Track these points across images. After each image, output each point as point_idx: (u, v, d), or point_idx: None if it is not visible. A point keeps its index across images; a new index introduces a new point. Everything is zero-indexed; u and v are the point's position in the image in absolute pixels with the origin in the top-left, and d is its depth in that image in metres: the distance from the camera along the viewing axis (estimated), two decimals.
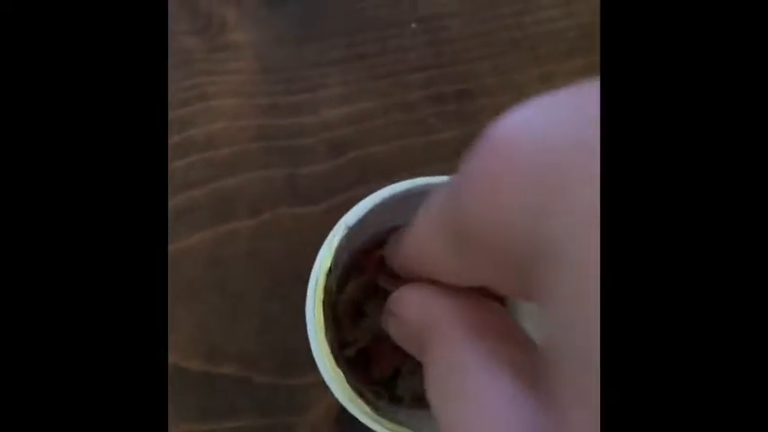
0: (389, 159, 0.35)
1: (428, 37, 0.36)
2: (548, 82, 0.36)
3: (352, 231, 0.24)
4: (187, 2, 0.36)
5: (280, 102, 0.35)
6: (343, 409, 0.32)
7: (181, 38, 0.36)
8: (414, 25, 0.36)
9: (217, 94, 0.35)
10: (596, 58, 0.36)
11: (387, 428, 0.23)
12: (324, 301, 0.23)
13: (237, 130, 0.35)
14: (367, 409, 0.23)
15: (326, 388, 0.32)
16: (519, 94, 0.36)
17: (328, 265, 0.23)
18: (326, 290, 0.24)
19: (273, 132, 0.35)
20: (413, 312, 0.19)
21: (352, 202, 0.34)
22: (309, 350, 0.33)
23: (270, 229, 0.34)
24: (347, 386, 0.23)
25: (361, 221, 0.24)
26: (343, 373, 0.24)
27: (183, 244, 0.34)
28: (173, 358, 0.33)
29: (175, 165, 0.34)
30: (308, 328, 0.24)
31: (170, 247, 0.34)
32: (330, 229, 0.31)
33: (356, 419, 0.32)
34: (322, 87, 0.35)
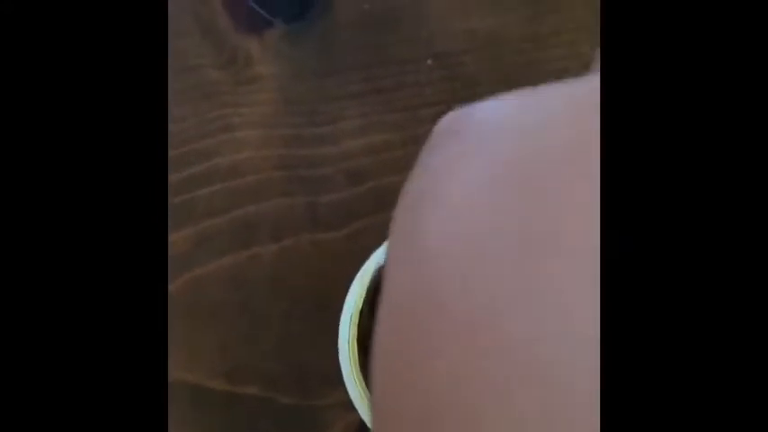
0: None
1: (443, 73, 0.38)
2: None
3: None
4: (212, 36, 0.38)
5: (301, 133, 0.37)
6: (360, 430, 0.33)
7: (207, 71, 0.37)
8: (429, 62, 0.38)
9: (241, 125, 0.37)
10: None
11: None
12: (357, 339, 0.24)
13: (261, 159, 0.36)
14: None
15: (345, 408, 0.33)
16: None
17: (360, 304, 0.25)
18: (360, 326, 0.25)
19: (295, 162, 0.36)
20: None
21: (369, 229, 0.36)
22: (329, 371, 0.34)
23: (291, 255, 0.35)
24: None
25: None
26: None
27: (207, 268, 0.35)
28: (196, 378, 0.34)
29: (200, 193, 0.36)
30: (343, 368, 0.25)
31: (195, 272, 0.35)
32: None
33: None
34: (341, 120, 0.37)
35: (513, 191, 0.13)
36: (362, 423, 0.34)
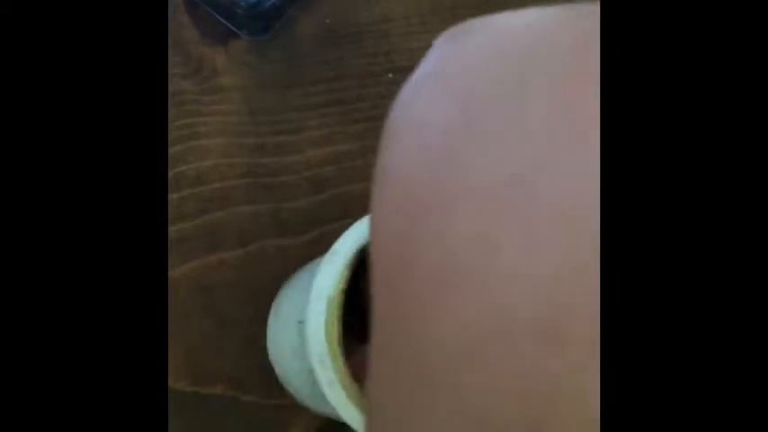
0: (366, 196, 0.38)
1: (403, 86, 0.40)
2: None
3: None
4: (180, 46, 0.39)
5: (266, 142, 0.38)
6: (322, 427, 0.35)
7: (174, 80, 0.38)
8: (390, 75, 0.40)
9: (207, 133, 0.38)
10: None
11: None
12: (340, 318, 0.24)
13: (226, 167, 0.38)
14: None
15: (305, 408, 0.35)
16: None
17: (339, 285, 0.24)
18: (341, 306, 0.24)
19: (260, 170, 0.38)
20: None
21: (332, 235, 0.37)
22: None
23: (256, 260, 0.37)
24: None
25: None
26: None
27: (174, 272, 0.36)
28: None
29: (168, 198, 0.37)
30: (321, 377, 0.24)
31: None
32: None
33: None
34: (305, 130, 0.38)
35: (515, 63, 0.13)
36: (326, 420, 0.35)
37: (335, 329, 0.24)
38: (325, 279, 0.24)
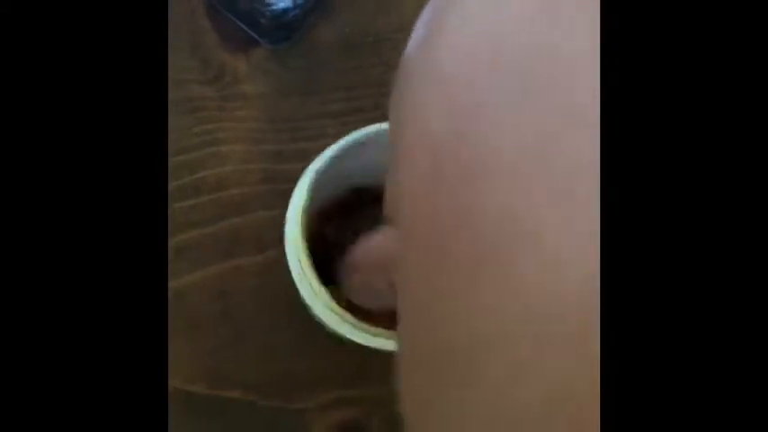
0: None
1: None
2: None
3: (319, 176, 0.29)
4: (200, 53, 0.39)
5: (284, 149, 0.38)
6: (341, 430, 0.35)
7: (194, 86, 0.39)
8: None
9: (227, 139, 0.38)
10: None
11: (371, 334, 0.27)
12: (304, 235, 0.28)
13: (245, 173, 0.38)
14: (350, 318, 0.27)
15: (325, 411, 0.35)
16: None
17: (303, 202, 0.28)
18: (305, 226, 0.28)
19: (278, 176, 0.38)
20: (378, 253, 0.18)
21: None
22: (310, 376, 0.36)
23: (273, 265, 0.37)
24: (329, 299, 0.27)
25: (328, 165, 0.29)
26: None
27: (192, 278, 0.36)
28: (178, 383, 0.35)
29: (186, 204, 0.37)
30: (292, 267, 0.28)
31: (180, 281, 0.36)
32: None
33: None
34: (323, 137, 0.39)
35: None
36: (343, 425, 0.35)
37: (302, 246, 0.28)
38: (294, 198, 0.29)
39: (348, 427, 0.36)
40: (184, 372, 0.35)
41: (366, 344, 0.27)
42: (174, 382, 0.35)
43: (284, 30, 0.38)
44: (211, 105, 0.39)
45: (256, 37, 0.39)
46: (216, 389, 0.35)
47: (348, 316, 0.27)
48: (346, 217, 0.35)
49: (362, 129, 0.30)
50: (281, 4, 0.37)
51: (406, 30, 0.45)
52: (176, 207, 0.37)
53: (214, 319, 0.36)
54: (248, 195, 0.38)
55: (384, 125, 0.30)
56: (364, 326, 0.27)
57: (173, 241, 0.37)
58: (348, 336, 0.27)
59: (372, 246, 0.19)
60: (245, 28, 0.38)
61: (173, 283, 0.36)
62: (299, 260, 0.28)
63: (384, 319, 0.33)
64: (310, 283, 0.27)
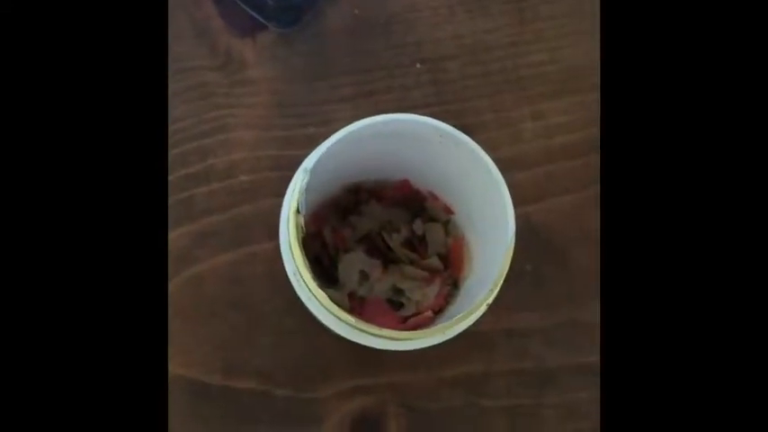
0: None
1: (430, 76, 0.39)
2: (539, 119, 0.39)
3: (320, 170, 0.28)
4: (207, 39, 0.39)
5: (294, 134, 0.38)
6: (356, 420, 0.35)
7: (202, 73, 0.38)
8: (418, 65, 0.39)
9: (236, 126, 0.38)
10: (581, 97, 0.40)
11: (371, 334, 0.26)
12: (297, 235, 0.27)
13: (255, 159, 0.38)
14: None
15: (339, 400, 0.35)
16: (513, 129, 0.39)
17: (295, 206, 0.27)
18: (298, 226, 0.27)
19: (288, 163, 0.38)
20: None
21: None
22: (323, 365, 0.35)
23: None
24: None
25: (325, 159, 0.28)
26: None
27: (205, 266, 0.36)
28: (194, 374, 0.35)
29: (198, 191, 0.37)
30: (287, 267, 0.28)
31: (193, 269, 0.36)
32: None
33: (368, 430, 0.35)
34: (333, 122, 0.38)
35: None
36: (359, 413, 0.35)
37: (297, 236, 0.27)
38: (289, 198, 0.28)
39: (363, 415, 0.35)
40: (201, 362, 0.35)
41: (366, 344, 0.27)
42: (191, 372, 0.35)
43: (292, 12, 0.37)
44: (220, 92, 0.38)
45: (264, 21, 0.38)
46: (231, 379, 0.35)
47: (346, 315, 0.26)
48: (343, 217, 0.35)
49: (354, 123, 0.29)
50: None
51: (417, 10, 0.44)
52: (188, 195, 0.37)
53: (229, 306, 0.36)
54: (259, 182, 0.37)
55: (378, 118, 0.29)
56: (363, 325, 0.26)
57: (188, 228, 0.36)
58: (347, 336, 0.27)
59: None
60: (252, 12, 0.38)
61: (189, 271, 0.36)
62: (294, 260, 0.27)
63: (387, 320, 0.33)
64: (306, 284, 0.27)
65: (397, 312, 0.33)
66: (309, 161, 0.28)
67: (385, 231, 0.34)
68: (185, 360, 0.35)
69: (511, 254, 0.27)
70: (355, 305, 0.33)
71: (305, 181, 0.27)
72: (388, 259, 0.34)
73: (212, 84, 0.38)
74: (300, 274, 0.26)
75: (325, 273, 0.34)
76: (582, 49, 0.41)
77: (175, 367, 0.35)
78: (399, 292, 0.33)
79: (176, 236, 0.36)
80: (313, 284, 0.26)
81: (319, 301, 0.26)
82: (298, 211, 0.27)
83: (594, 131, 0.39)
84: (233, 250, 0.36)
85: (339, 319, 0.26)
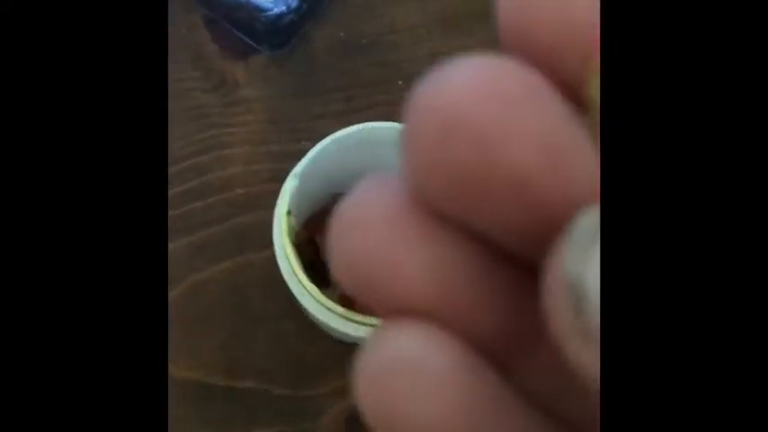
0: None
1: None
2: None
3: (311, 180, 0.30)
4: (202, 62, 0.41)
5: (286, 149, 0.40)
6: (351, 416, 0.37)
7: (198, 95, 0.41)
8: (400, 82, 0.42)
9: (231, 143, 0.40)
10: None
11: (367, 325, 0.28)
12: (289, 234, 0.29)
13: (250, 174, 0.40)
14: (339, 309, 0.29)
15: (337, 397, 0.37)
16: None
17: (285, 208, 0.30)
18: (290, 227, 0.30)
19: (282, 176, 0.40)
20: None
21: None
22: (319, 364, 0.38)
23: None
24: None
25: (314, 167, 0.30)
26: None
27: (205, 274, 0.38)
28: (197, 375, 0.37)
29: (195, 205, 0.39)
30: (282, 268, 0.30)
31: (193, 278, 0.38)
32: None
33: (363, 425, 0.37)
34: (323, 136, 0.41)
35: None
36: (354, 409, 0.37)
37: (288, 248, 0.29)
38: (280, 201, 0.30)
39: (359, 412, 0.37)
40: (203, 364, 0.37)
41: (355, 334, 0.28)
42: (195, 374, 0.37)
43: (281, 35, 0.40)
44: (215, 112, 0.41)
45: (255, 45, 0.41)
46: (232, 379, 0.37)
47: (340, 309, 0.28)
48: None
49: (340, 131, 0.31)
50: (276, 9, 0.39)
51: (397, 31, 0.47)
52: (187, 209, 0.39)
53: (228, 312, 0.38)
54: (255, 194, 0.40)
55: (365, 125, 0.31)
56: (359, 317, 0.28)
57: (188, 240, 0.39)
58: (341, 329, 0.28)
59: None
60: (243, 37, 0.40)
61: (190, 280, 0.38)
62: (288, 259, 0.29)
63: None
64: (300, 281, 0.29)
65: None
66: (298, 167, 0.30)
67: None
68: (189, 363, 0.37)
69: None
70: (346, 304, 0.35)
71: (294, 185, 0.30)
72: None
73: (208, 105, 0.41)
74: (294, 271, 0.28)
75: (319, 277, 0.36)
76: None
77: (180, 370, 0.37)
78: None
79: (176, 247, 0.38)
80: (306, 280, 0.28)
81: (312, 295, 0.28)
82: (288, 213, 0.29)
83: None
84: (231, 258, 0.39)
85: (328, 309, 0.28)
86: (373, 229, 0.11)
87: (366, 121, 0.42)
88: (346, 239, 0.11)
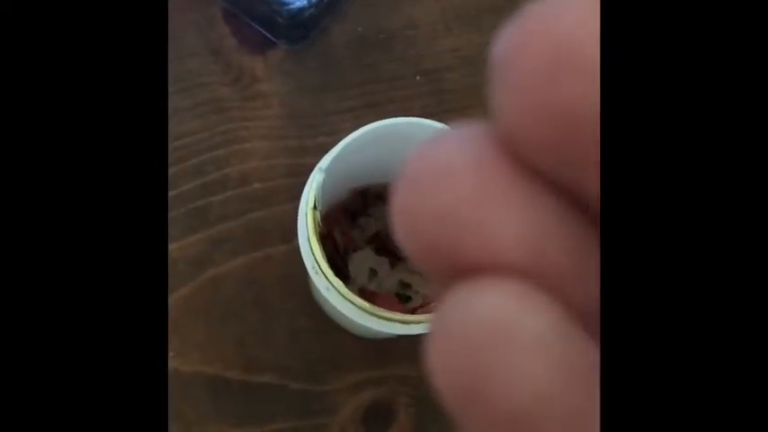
0: None
1: (430, 87, 0.42)
2: None
3: (329, 175, 0.30)
4: (221, 57, 0.41)
5: (304, 144, 0.40)
6: (368, 411, 0.37)
7: (216, 88, 0.41)
8: (418, 77, 0.42)
9: (249, 137, 0.40)
10: None
11: (395, 321, 0.28)
12: (315, 230, 0.29)
13: (268, 168, 0.40)
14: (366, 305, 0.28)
15: (352, 392, 0.37)
16: None
17: (312, 203, 0.29)
18: (316, 221, 0.29)
19: (299, 170, 0.40)
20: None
21: None
22: (336, 359, 0.38)
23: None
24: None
25: (336, 162, 0.30)
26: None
27: (223, 269, 0.38)
28: (215, 370, 0.37)
29: (214, 199, 0.39)
30: (306, 262, 0.29)
31: (211, 272, 0.38)
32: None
33: (380, 420, 0.37)
34: (340, 132, 0.41)
35: None
36: (371, 404, 0.37)
37: (315, 242, 0.28)
38: (306, 196, 0.30)
39: (374, 405, 0.37)
40: (220, 359, 0.37)
41: (379, 329, 0.28)
42: (213, 369, 0.37)
43: (301, 29, 0.40)
44: (233, 106, 0.41)
45: (273, 39, 0.41)
46: (249, 374, 0.37)
47: (366, 304, 0.28)
48: (352, 219, 0.37)
49: (363, 127, 0.31)
50: (297, 3, 0.39)
51: (416, 27, 0.47)
52: (205, 203, 0.39)
53: (246, 307, 0.38)
54: (272, 189, 0.40)
55: (386, 121, 0.31)
56: (383, 312, 0.28)
57: (206, 234, 0.39)
58: (365, 323, 0.28)
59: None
60: (263, 30, 0.40)
61: (208, 274, 0.38)
62: (313, 254, 0.29)
63: (396, 311, 0.35)
64: (326, 275, 0.28)
65: (405, 305, 0.35)
66: (324, 161, 0.30)
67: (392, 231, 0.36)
68: (206, 358, 0.37)
69: None
70: (366, 299, 0.35)
71: (321, 179, 0.29)
72: (395, 257, 0.36)
73: (225, 98, 0.41)
74: (319, 266, 0.28)
75: (337, 271, 0.36)
76: None
77: (197, 365, 0.37)
78: (407, 286, 0.35)
79: (193, 241, 0.39)
80: (332, 275, 0.28)
81: (337, 290, 0.28)
82: (315, 208, 0.29)
83: None
84: (248, 253, 0.39)
85: (355, 305, 0.28)
86: (462, 179, 0.09)
87: (384, 116, 0.41)
88: (428, 190, 0.09)
